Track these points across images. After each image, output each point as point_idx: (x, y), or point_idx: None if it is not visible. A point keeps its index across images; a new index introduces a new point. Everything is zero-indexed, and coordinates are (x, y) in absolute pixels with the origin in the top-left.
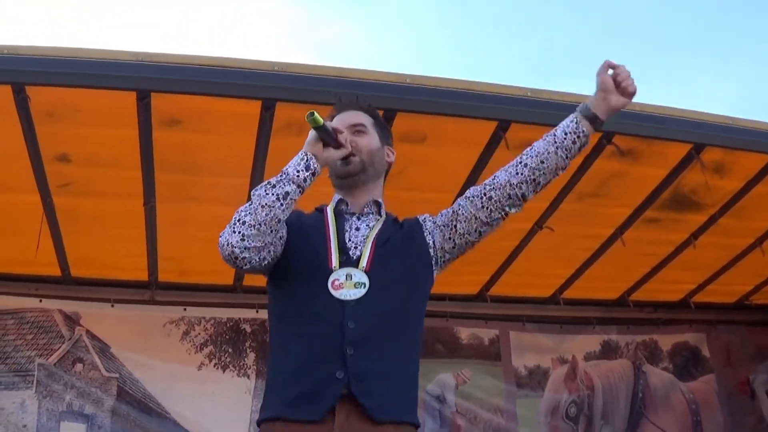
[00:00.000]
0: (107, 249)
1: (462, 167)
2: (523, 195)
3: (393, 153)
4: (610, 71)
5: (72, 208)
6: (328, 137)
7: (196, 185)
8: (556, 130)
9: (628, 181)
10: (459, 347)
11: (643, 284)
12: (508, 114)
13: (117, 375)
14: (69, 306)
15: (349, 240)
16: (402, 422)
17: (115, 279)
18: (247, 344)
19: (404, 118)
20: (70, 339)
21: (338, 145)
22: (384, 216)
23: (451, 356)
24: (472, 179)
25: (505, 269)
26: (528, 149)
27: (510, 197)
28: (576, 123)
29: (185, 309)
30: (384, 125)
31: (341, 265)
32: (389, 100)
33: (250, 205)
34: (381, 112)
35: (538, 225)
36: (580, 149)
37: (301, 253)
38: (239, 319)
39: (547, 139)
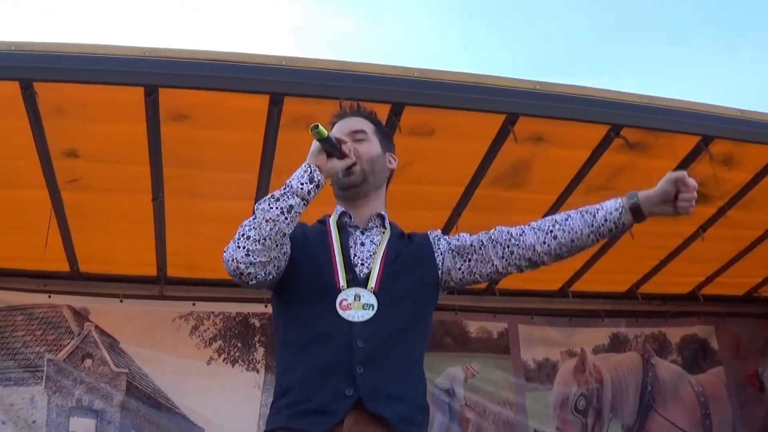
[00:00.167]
0: (116, 244)
1: (470, 161)
2: (543, 262)
3: (395, 160)
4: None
5: (80, 204)
6: (332, 148)
7: (204, 180)
8: (597, 211)
9: (637, 174)
10: (468, 341)
11: (652, 277)
12: (517, 107)
13: (126, 370)
14: (78, 301)
15: (355, 256)
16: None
17: (123, 274)
18: (256, 339)
19: (412, 112)
20: (79, 334)
21: (342, 156)
22: (389, 229)
23: (460, 350)
24: (480, 173)
25: None
26: (563, 218)
27: (530, 261)
28: (620, 214)
29: (194, 304)
30: (386, 132)
31: (348, 284)
32: (397, 94)
33: (254, 219)
34: (389, 106)
35: None
36: (611, 235)
37: (307, 271)
38: (248, 313)
39: (585, 217)
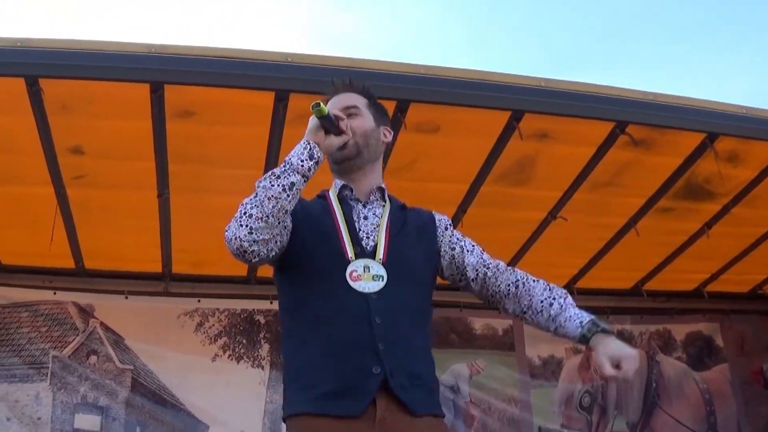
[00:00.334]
0: (121, 241)
1: (475, 157)
2: (506, 311)
3: (390, 133)
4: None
5: (86, 200)
6: (330, 125)
7: (209, 176)
8: (562, 322)
9: (642, 171)
10: (473, 337)
11: (657, 274)
12: (522, 104)
13: (131, 367)
14: (83, 298)
15: (360, 230)
16: (436, 414)
17: (128, 271)
18: (261, 335)
19: (418, 109)
20: (84, 331)
21: (339, 132)
22: (389, 201)
23: (465, 346)
24: (485, 169)
25: (519, 259)
26: (537, 308)
27: (495, 305)
28: (578, 337)
29: (199, 300)
30: (380, 105)
31: (356, 256)
32: (403, 91)
33: (255, 197)
34: (394, 103)
35: (552, 215)
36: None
37: (314, 244)
38: (253, 310)
39: (549, 323)
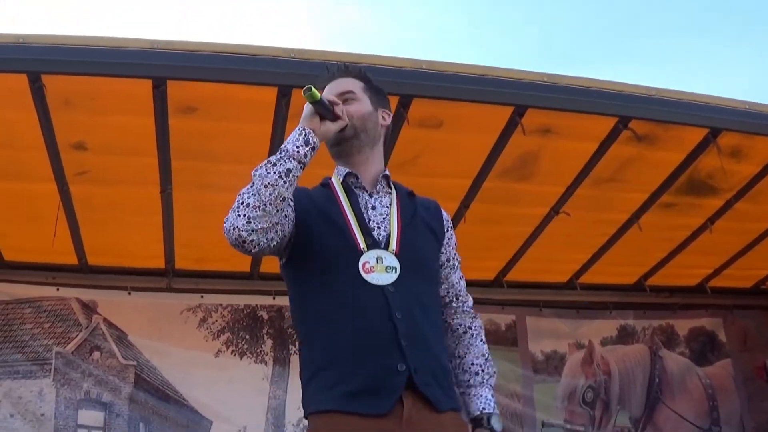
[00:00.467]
0: (124, 237)
1: (478, 153)
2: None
3: (389, 115)
4: None
5: (88, 196)
6: (325, 111)
7: (212, 172)
8: (473, 393)
9: (645, 166)
10: None
11: (660, 269)
12: (525, 99)
13: (134, 362)
14: (86, 294)
15: (370, 220)
16: (456, 409)
17: (131, 267)
18: (264, 331)
19: (420, 104)
20: (87, 327)
21: (335, 118)
22: (394, 189)
23: None
24: (488, 165)
25: (522, 255)
26: (463, 362)
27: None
28: (470, 418)
29: (202, 296)
30: (377, 88)
31: (369, 247)
32: (405, 86)
33: (252, 186)
34: (397, 98)
35: (555, 210)
36: None
37: (323, 236)
38: (256, 305)
39: (460, 383)
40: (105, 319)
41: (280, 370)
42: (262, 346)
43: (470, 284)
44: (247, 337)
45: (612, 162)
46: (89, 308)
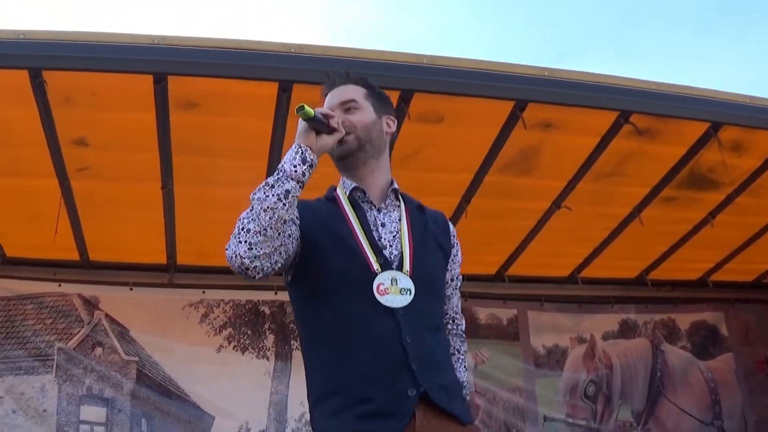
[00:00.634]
0: (125, 232)
1: (479, 147)
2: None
3: (393, 122)
4: None
5: (90, 192)
6: (319, 125)
7: (213, 168)
8: None
9: (646, 160)
10: (477, 327)
11: (661, 263)
12: (525, 94)
13: (136, 358)
14: (88, 290)
15: (380, 238)
16: (473, 421)
17: (133, 262)
18: (266, 326)
19: (421, 99)
20: (89, 323)
21: (331, 131)
22: (403, 202)
23: (469, 336)
24: (489, 159)
25: (524, 249)
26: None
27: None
28: None
29: (204, 292)
30: (380, 94)
31: (382, 267)
32: (406, 81)
33: (251, 210)
34: (398, 93)
35: (556, 205)
36: None
37: (333, 255)
38: (258, 301)
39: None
40: (107, 315)
41: (282, 365)
42: (264, 341)
43: (472, 279)
44: (249, 332)
45: (613, 156)
46: (91, 304)
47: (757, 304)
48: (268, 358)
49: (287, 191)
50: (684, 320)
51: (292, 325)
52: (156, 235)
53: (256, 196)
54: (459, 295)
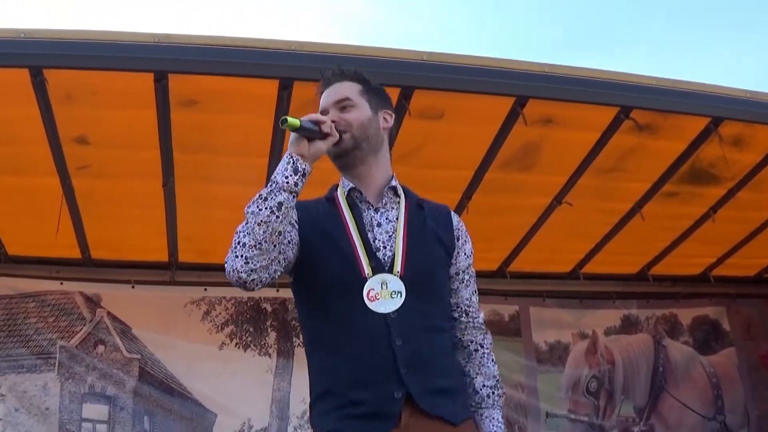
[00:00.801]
0: (127, 230)
1: (479, 144)
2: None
3: (391, 116)
4: None
5: (91, 190)
6: (310, 132)
7: (214, 165)
8: (485, 414)
9: (647, 156)
10: None
11: (663, 258)
12: (526, 90)
13: (138, 356)
14: (90, 288)
15: (375, 240)
16: (467, 417)
17: (135, 260)
18: (268, 323)
19: (421, 95)
20: (91, 321)
21: (324, 136)
22: (403, 198)
23: None
24: (490, 156)
25: (525, 245)
26: (474, 382)
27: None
28: None
29: (206, 289)
30: (376, 89)
31: (374, 271)
32: (406, 78)
33: (246, 224)
34: (398, 90)
35: (557, 200)
36: None
37: (327, 260)
38: (260, 298)
39: (471, 403)
40: (109, 313)
41: (284, 362)
42: (266, 338)
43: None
44: (251, 329)
45: (614, 152)
46: (93, 302)
47: (759, 299)
48: (270, 356)
49: (280, 203)
50: (686, 315)
51: (294, 322)
52: (157, 232)
53: (250, 210)
54: (473, 287)
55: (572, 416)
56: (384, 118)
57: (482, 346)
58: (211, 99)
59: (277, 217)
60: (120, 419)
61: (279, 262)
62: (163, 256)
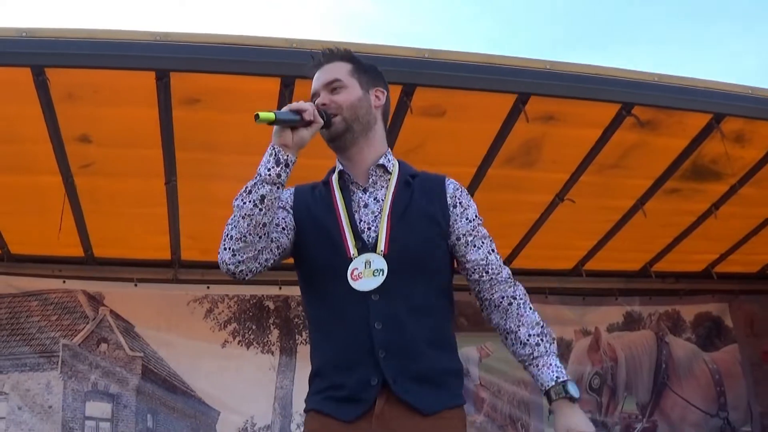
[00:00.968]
0: (129, 228)
1: (482, 141)
2: (489, 322)
3: (383, 93)
4: None
5: (93, 189)
6: (291, 122)
7: (216, 163)
8: (540, 364)
9: (648, 152)
10: (482, 320)
11: (665, 255)
12: (528, 87)
13: (141, 354)
14: (92, 286)
15: (361, 221)
16: (451, 406)
17: (137, 258)
18: (271, 321)
19: (423, 93)
20: (94, 319)
21: (307, 123)
22: (395, 174)
23: (474, 330)
24: (492, 153)
25: (527, 242)
26: (519, 336)
27: (482, 310)
28: (546, 390)
29: (208, 287)
30: (367, 67)
31: (359, 251)
32: (408, 75)
33: (233, 217)
34: (400, 87)
35: (559, 197)
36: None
37: (316, 244)
38: (262, 296)
39: (524, 358)
40: (111, 311)
41: (287, 359)
42: (269, 336)
43: None
44: (254, 327)
45: (616, 148)
46: (96, 300)
47: (762, 295)
48: (272, 353)
49: (262, 196)
50: (688, 312)
51: (296, 320)
52: (160, 231)
53: (236, 203)
54: (488, 247)
55: None
56: (375, 96)
57: (515, 298)
58: (212, 97)
59: (260, 210)
60: (123, 417)
61: (271, 250)
62: (165, 255)
